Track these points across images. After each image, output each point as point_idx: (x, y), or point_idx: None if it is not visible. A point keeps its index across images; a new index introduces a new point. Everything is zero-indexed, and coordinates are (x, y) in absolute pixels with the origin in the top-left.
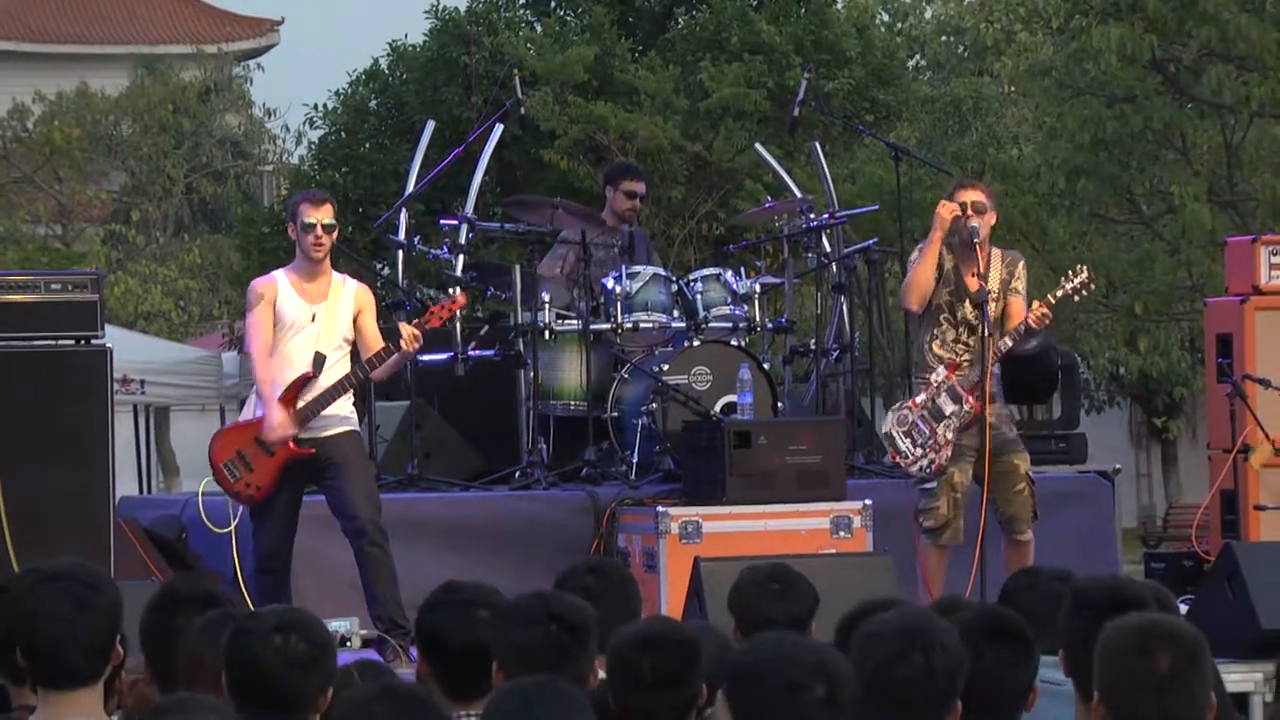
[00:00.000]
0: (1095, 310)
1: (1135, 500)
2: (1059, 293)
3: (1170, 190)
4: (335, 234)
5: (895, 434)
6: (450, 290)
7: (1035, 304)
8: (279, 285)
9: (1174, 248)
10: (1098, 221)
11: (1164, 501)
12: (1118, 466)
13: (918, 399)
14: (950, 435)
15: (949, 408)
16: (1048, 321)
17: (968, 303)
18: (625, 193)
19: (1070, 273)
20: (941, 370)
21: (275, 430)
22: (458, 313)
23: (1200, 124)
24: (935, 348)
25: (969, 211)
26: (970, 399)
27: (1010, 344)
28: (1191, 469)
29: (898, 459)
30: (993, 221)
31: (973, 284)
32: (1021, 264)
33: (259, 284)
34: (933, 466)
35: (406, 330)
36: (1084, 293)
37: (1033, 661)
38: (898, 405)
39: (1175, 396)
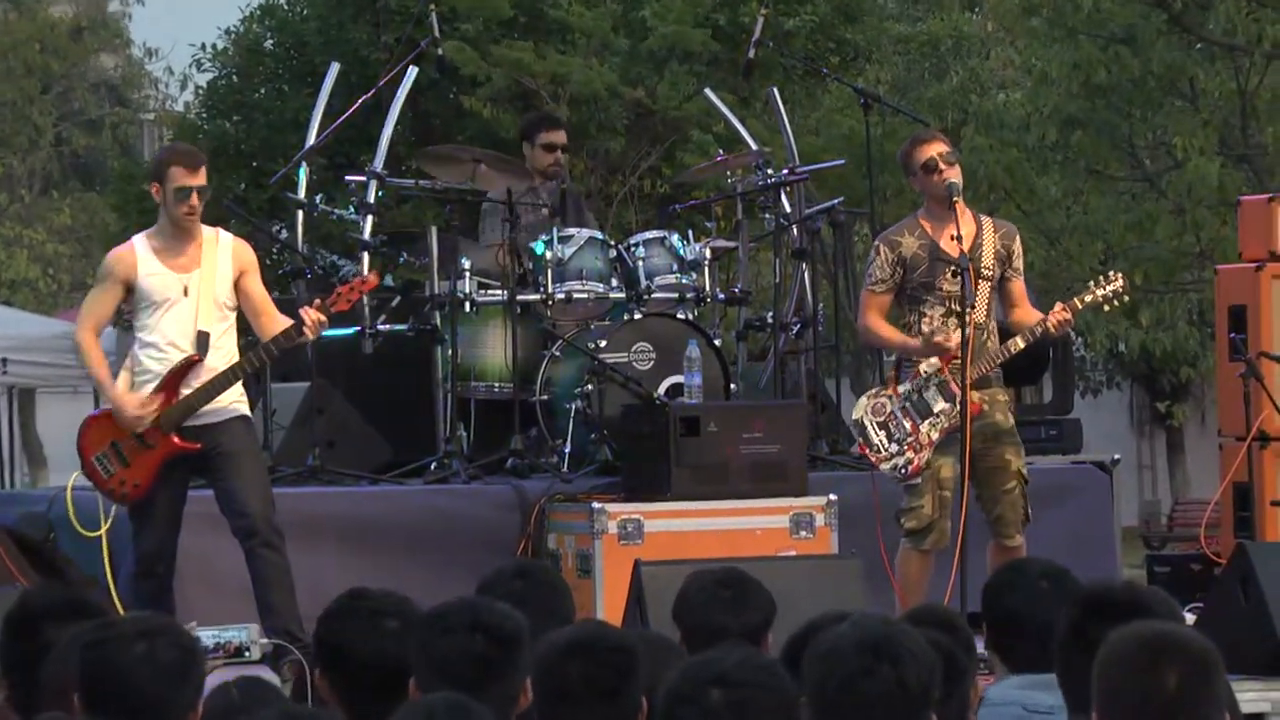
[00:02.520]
0: (1091, 279)
1: (1137, 495)
2: (1087, 298)
3: (1173, 143)
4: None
5: (868, 423)
6: (359, 267)
7: (1058, 307)
8: (139, 259)
9: (1179, 207)
10: (1093, 178)
11: (1169, 496)
12: (1116, 457)
13: (900, 387)
14: (935, 436)
15: (938, 405)
16: (1068, 328)
17: (949, 273)
18: (544, 146)
19: (1102, 278)
20: (935, 360)
21: (131, 414)
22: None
23: (1210, 67)
24: (925, 329)
25: (940, 165)
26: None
27: (1023, 345)
28: (1200, 460)
29: (867, 451)
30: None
31: (953, 249)
32: (1018, 238)
33: (114, 257)
34: (910, 468)
35: (310, 316)
36: (1116, 304)
37: (968, 676)
38: (875, 390)
39: (1182, 377)
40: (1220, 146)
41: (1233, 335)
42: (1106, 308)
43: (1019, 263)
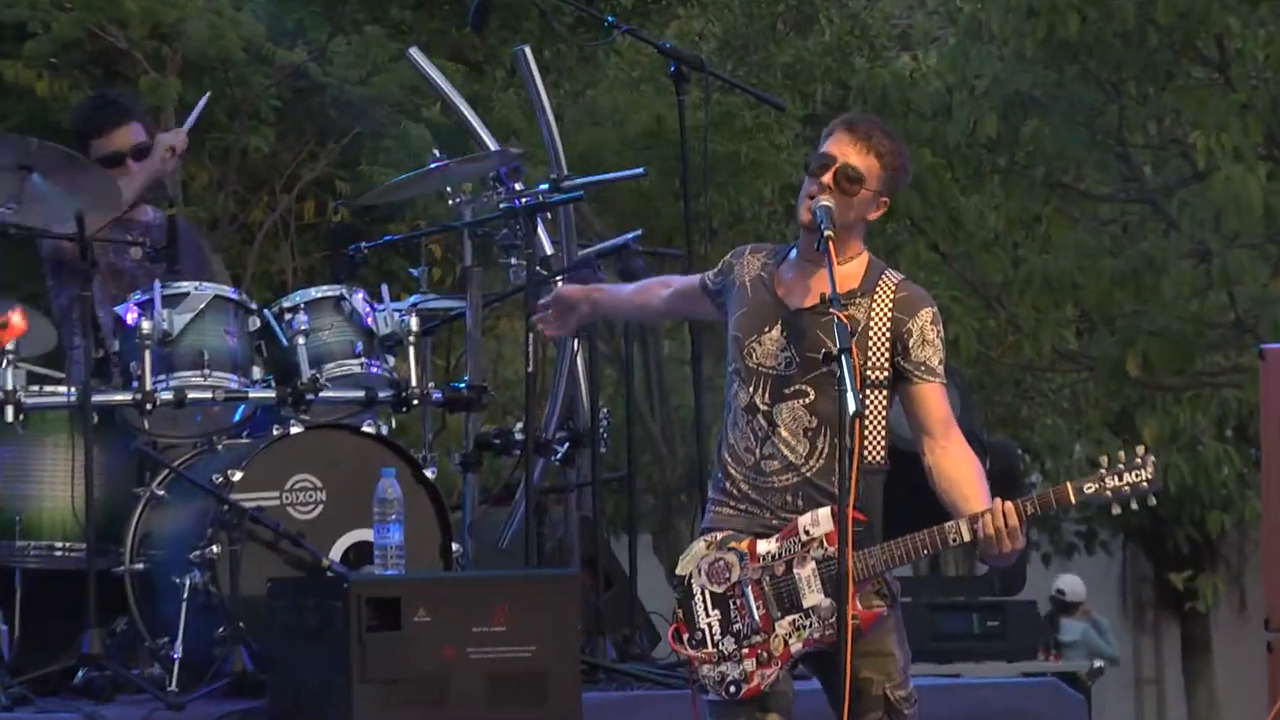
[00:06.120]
0: (1053, 367)
1: None
2: (1089, 488)
3: (1189, 139)
4: None
5: (698, 588)
6: None
7: (1003, 508)
8: None
9: (1200, 247)
10: (1059, 198)
11: None
12: (1099, 664)
13: (764, 545)
14: (798, 646)
15: (813, 596)
16: (1016, 547)
17: (774, 346)
18: (106, 159)
19: (1122, 456)
20: (826, 519)
21: None
22: None
23: (1251, 14)
24: (732, 441)
25: (816, 186)
26: (856, 600)
27: (967, 538)
28: (1238, 667)
29: (684, 638)
30: (874, 203)
31: (798, 296)
32: (928, 314)
33: None
34: (746, 689)
35: None
36: (1134, 504)
37: None
38: (720, 536)
39: (1210, 530)
40: (1267, 145)
41: None
42: (1117, 509)
43: (924, 351)
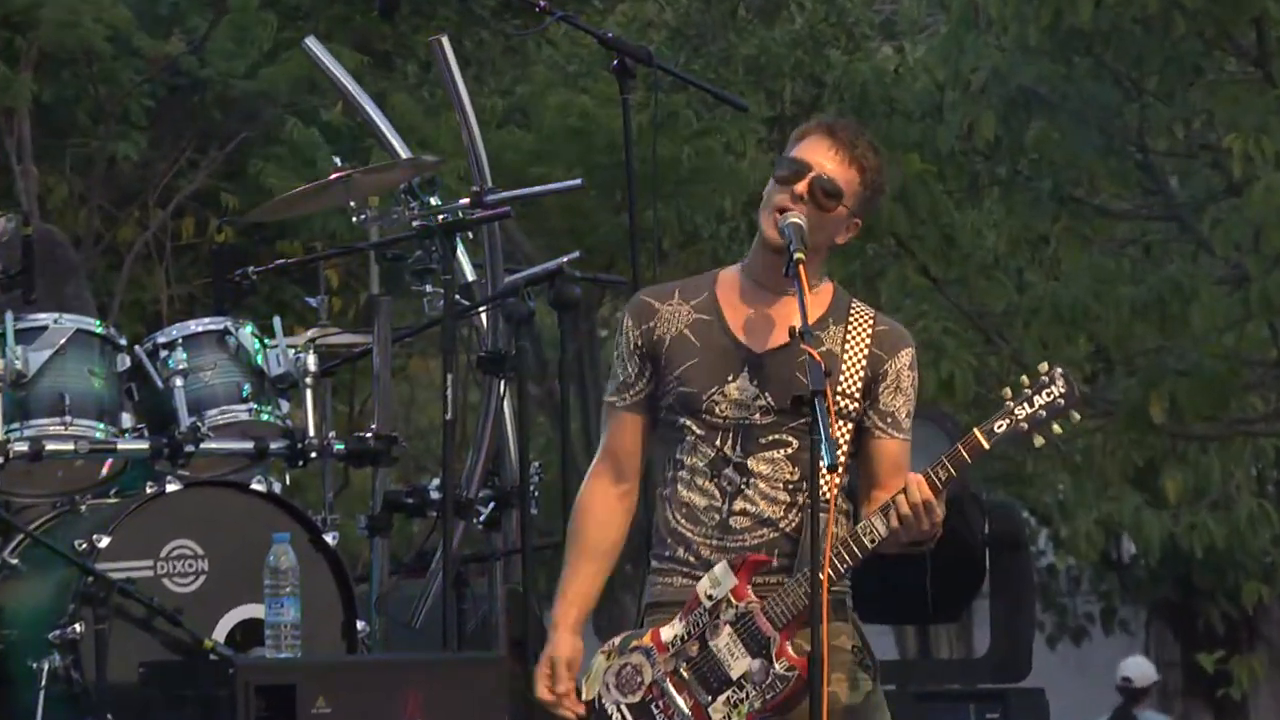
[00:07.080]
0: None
1: None
2: (999, 426)
3: (1223, 144)
4: None
5: (612, 707)
6: None
7: (913, 482)
8: None
9: (1236, 271)
10: (1070, 214)
11: None
12: None
13: (666, 631)
14: None
15: (740, 663)
16: (924, 527)
17: (740, 389)
18: None
19: (1026, 380)
20: (725, 574)
21: None
22: None
23: None
24: (685, 501)
25: (806, 180)
26: (788, 647)
27: (883, 532)
28: None
29: None
30: (845, 225)
31: (764, 337)
32: (908, 355)
33: None
34: None
35: None
36: (1058, 426)
37: None
38: (620, 638)
39: (1246, 604)
40: None
41: None
42: (1039, 440)
43: (895, 400)
